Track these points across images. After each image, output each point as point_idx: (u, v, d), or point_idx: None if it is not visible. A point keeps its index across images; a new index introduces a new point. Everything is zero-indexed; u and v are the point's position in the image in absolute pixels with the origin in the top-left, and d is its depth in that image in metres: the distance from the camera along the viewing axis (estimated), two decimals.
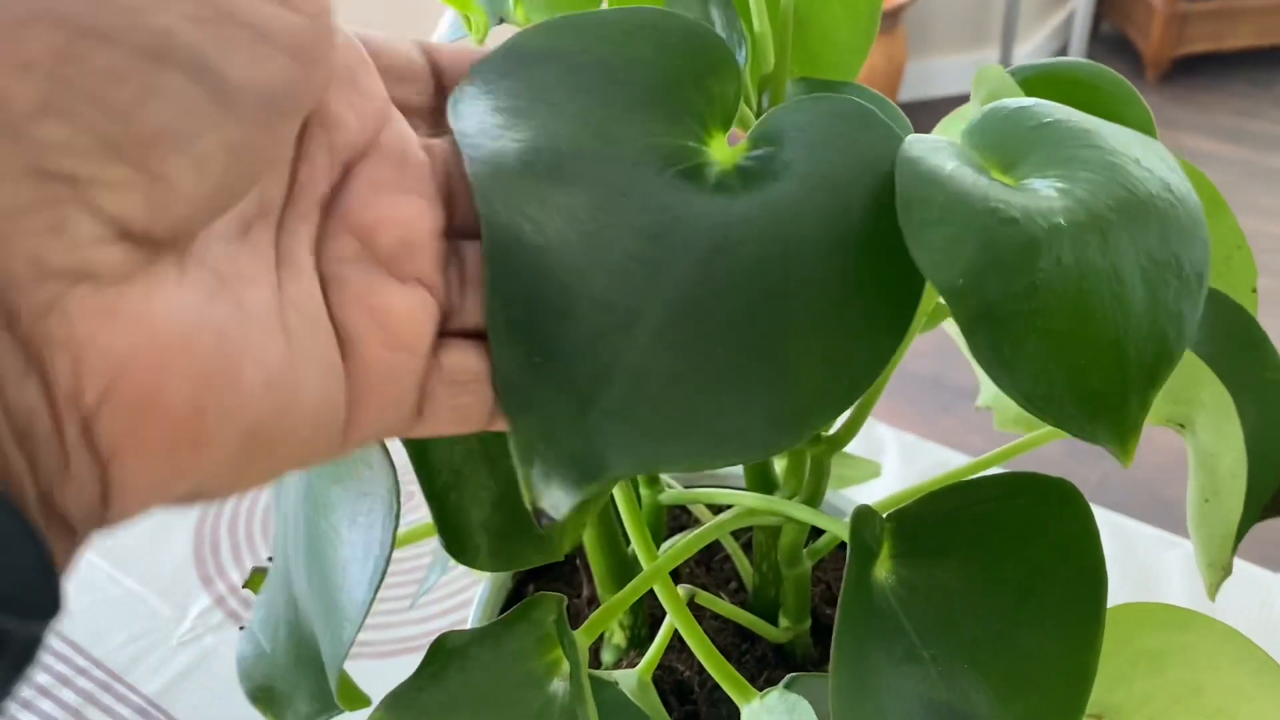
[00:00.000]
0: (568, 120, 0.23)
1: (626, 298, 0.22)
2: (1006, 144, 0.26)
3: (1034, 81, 0.32)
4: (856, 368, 0.23)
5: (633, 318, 0.22)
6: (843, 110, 0.24)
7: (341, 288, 0.21)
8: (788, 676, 0.29)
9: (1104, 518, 0.61)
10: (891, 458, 0.63)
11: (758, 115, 0.32)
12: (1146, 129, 0.31)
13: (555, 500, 0.21)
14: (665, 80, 0.24)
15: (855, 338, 0.23)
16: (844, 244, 0.23)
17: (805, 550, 0.36)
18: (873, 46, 0.37)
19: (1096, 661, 0.29)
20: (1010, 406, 0.43)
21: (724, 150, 0.25)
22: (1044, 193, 0.25)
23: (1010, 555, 0.29)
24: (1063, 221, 0.24)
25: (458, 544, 0.28)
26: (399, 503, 0.27)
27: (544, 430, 0.21)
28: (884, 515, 0.28)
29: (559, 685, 0.28)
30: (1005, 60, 2.51)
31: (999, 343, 0.23)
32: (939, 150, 0.25)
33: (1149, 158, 0.27)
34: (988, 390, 0.44)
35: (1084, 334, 0.24)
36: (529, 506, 0.21)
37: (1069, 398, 0.24)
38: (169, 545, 0.64)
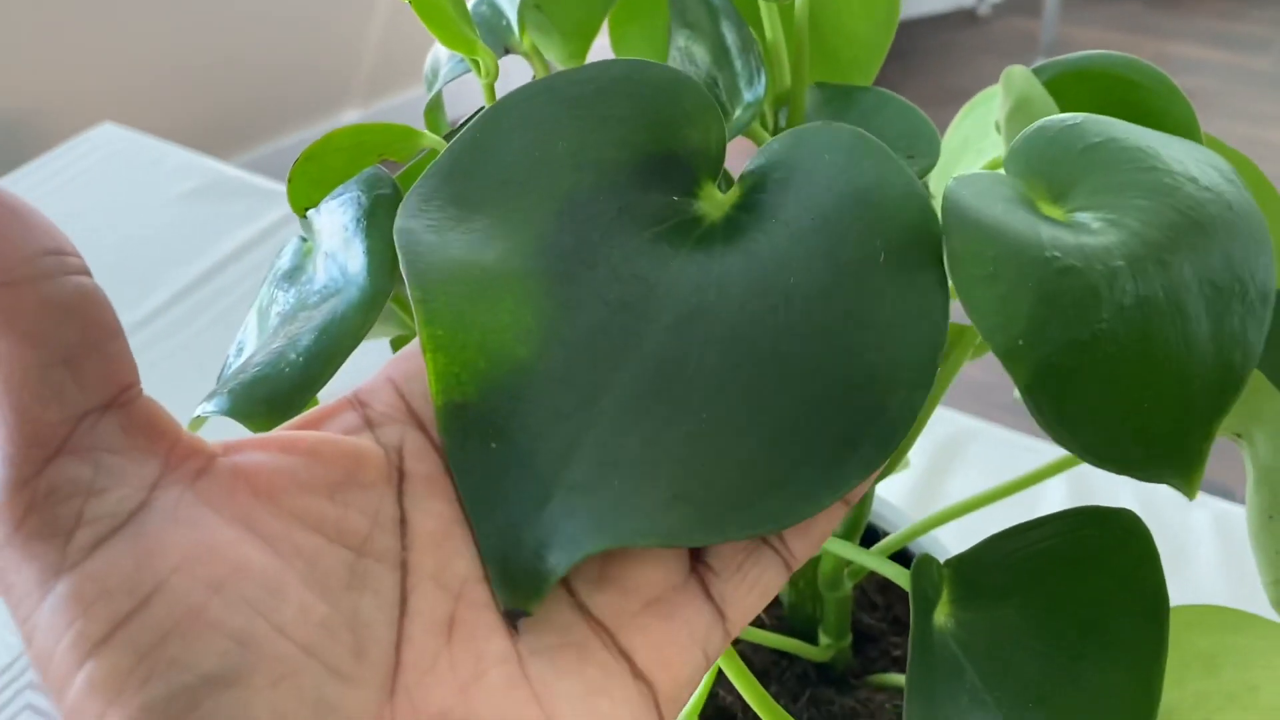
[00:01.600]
0: (530, 201, 0.22)
1: (589, 372, 0.21)
2: (1055, 170, 0.25)
3: (1067, 79, 0.31)
4: (879, 416, 0.21)
5: (598, 392, 0.21)
6: (834, 140, 0.23)
7: None
8: None
9: (1124, 481, 0.60)
10: None
11: (774, 134, 0.30)
12: (1190, 127, 0.29)
13: (526, 596, 0.20)
14: (642, 138, 0.23)
15: (869, 383, 0.21)
16: (840, 285, 0.21)
17: (846, 572, 0.35)
18: None
19: (1161, 688, 0.28)
20: None
21: (714, 199, 0.23)
22: (1098, 228, 0.23)
23: (1072, 590, 0.28)
24: (1122, 262, 0.23)
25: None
26: None
27: (508, 523, 0.20)
28: (942, 562, 0.27)
29: None
30: None
31: (1061, 401, 0.22)
32: (985, 192, 0.23)
33: (1208, 173, 0.25)
34: None
35: (1148, 378, 0.23)
36: (500, 607, 0.20)
37: (1133, 445, 0.23)
38: None
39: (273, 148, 2.16)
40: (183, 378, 0.71)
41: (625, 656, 0.20)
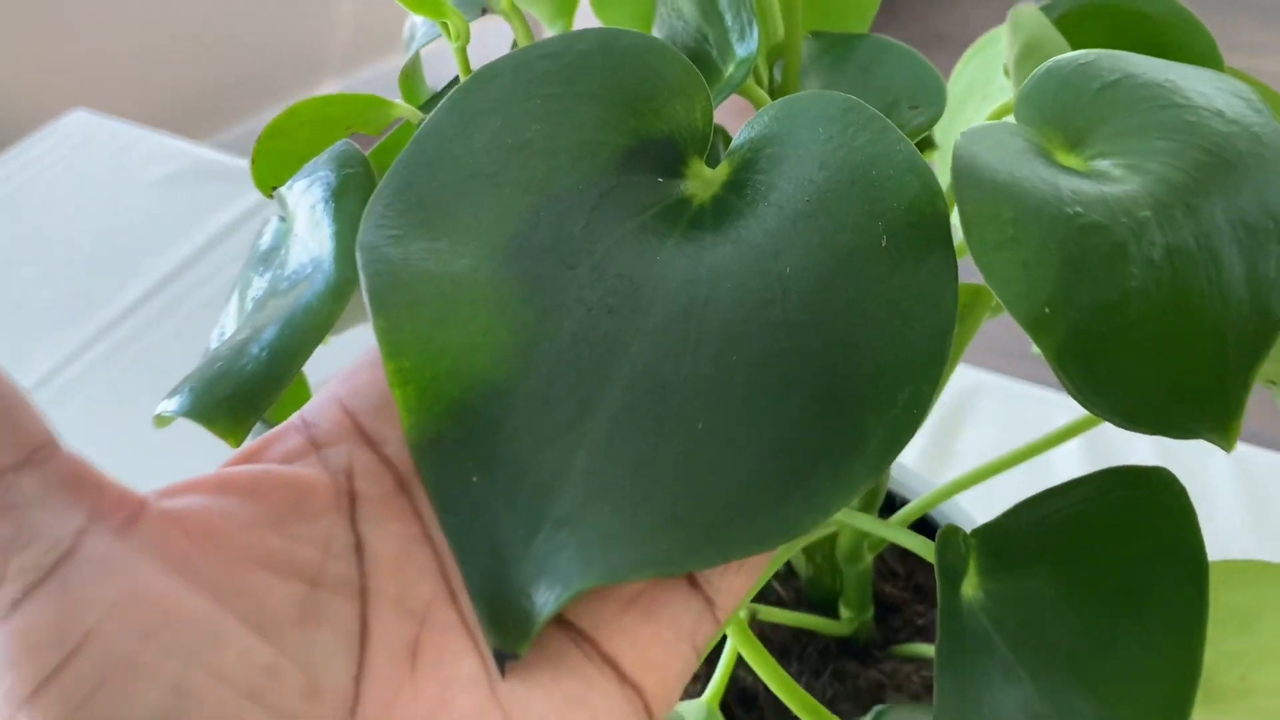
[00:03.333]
0: (503, 196, 0.20)
1: (573, 390, 0.19)
2: (1070, 115, 0.23)
3: (1074, 17, 0.29)
4: (887, 412, 0.19)
5: (584, 410, 0.19)
6: (825, 111, 0.21)
7: None
8: (877, 709, 0.27)
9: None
10: None
11: (770, 91, 0.29)
12: (1213, 61, 0.27)
13: (516, 638, 0.18)
14: (621, 115, 0.21)
15: (875, 378, 0.19)
16: (839, 275, 0.20)
17: (866, 544, 0.34)
18: None
19: (1202, 654, 0.27)
20: None
21: (703, 177, 0.22)
22: (1120, 175, 0.22)
23: (1106, 555, 0.27)
24: (1149, 213, 0.21)
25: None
26: None
27: (495, 562, 0.19)
28: (969, 532, 0.26)
29: None
30: None
31: (1093, 368, 0.20)
32: (998, 145, 0.21)
33: (1234, 105, 0.24)
34: None
35: (1183, 334, 0.21)
36: (489, 648, 0.18)
37: (1170, 404, 0.22)
38: None
39: (248, 126, 2.13)
40: (169, 369, 0.70)
41: (609, 663, 0.19)
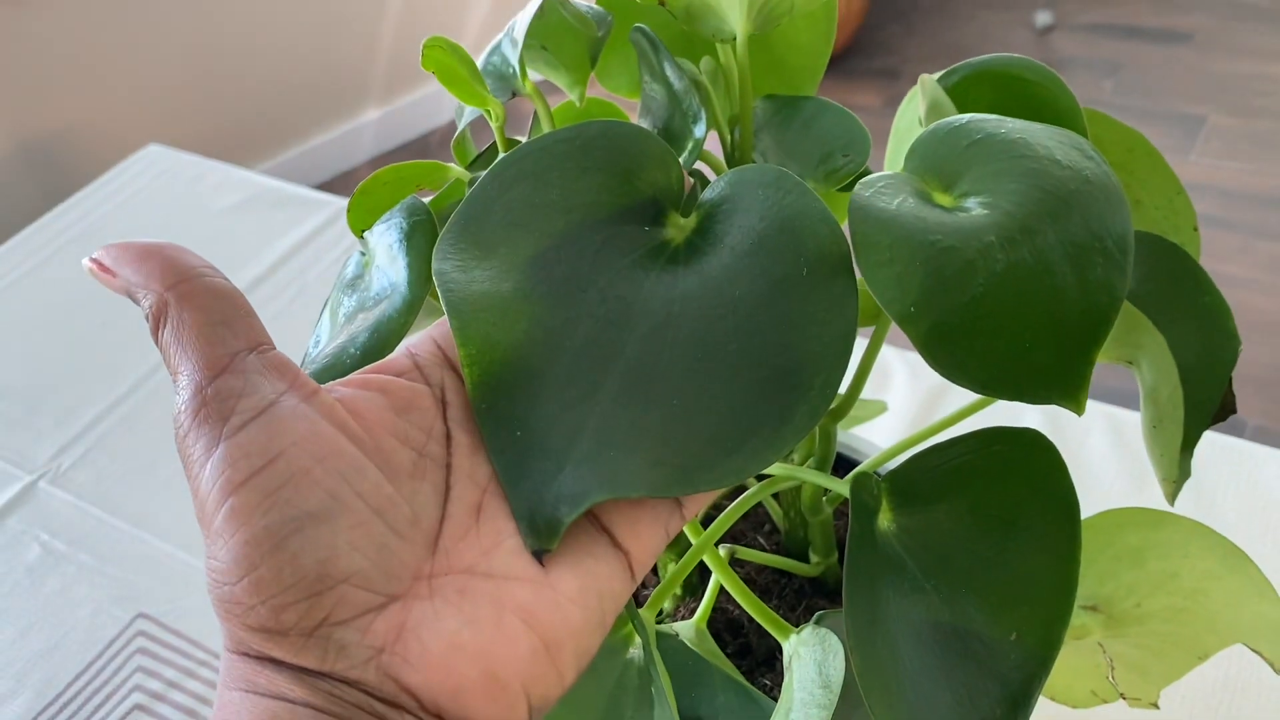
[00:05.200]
0: (532, 240, 0.29)
1: (588, 374, 0.27)
2: (945, 165, 0.31)
3: (972, 79, 0.37)
4: (808, 393, 0.27)
5: (594, 388, 0.27)
6: (764, 179, 0.29)
7: None
8: (817, 614, 0.35)
9: (1096, 409, 0.66)
10: (899, 379, 0.68)
11: (730, 149, 0.37)
12: (1073, 115, 0.35)
13: (547, 539, 0.26)
14: (617, 182, 0.29)
15: (798, 369, 0.27)
16: (773, 296, 0.27)
17: (825, 499, 0.41)
18: None
19: (1077, 573, 0.33)
20: None
21: (678, 225, 0.30)
22: (976, 212, 0.30)
23: (992, 494, 0.33)
24: (994, 238, 0.29)
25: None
26: None
27: (532, 489, 0.27)
28: (879, 474, 0.34)
29: (634, 653, 0.34)
30: None
31: (952, 350, 0.28)
32: (885, 191, 0.29)
33: (1070, 154, 0.31)
34: None
35: (1024, 324, 0.28)
36: (529, 549, 0.26)
37: (1021, 377, 0.28)
38: None
39: (299, 150, 2.23)
40: None
41: (606, 531, 0.27)
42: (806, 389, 0.27)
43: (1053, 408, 0.66)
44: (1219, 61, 2.11)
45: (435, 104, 2.38)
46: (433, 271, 0.28)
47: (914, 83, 0.37)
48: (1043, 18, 2.36)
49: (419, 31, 2.30)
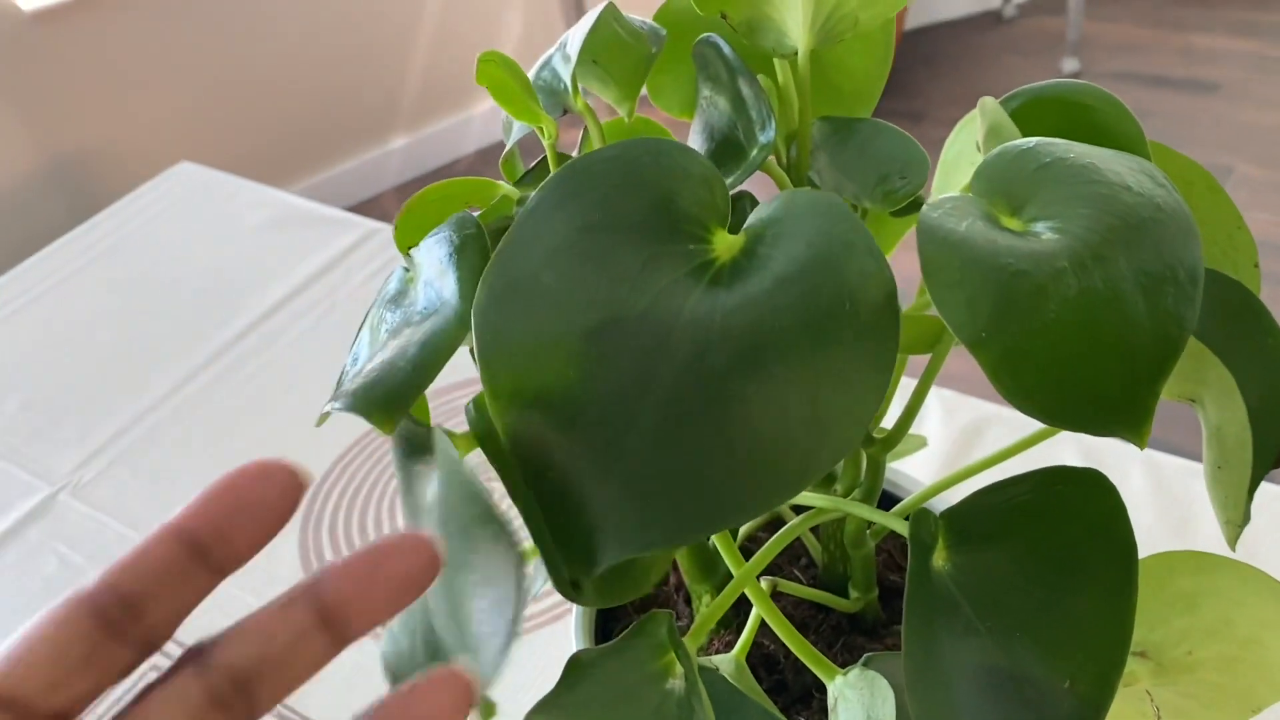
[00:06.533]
0: (574, 264, 0.27)
1: (622, 412, 0.26)
2: (1013, 188, 0.30)
3: (1033, 106, 0.36)
4: (841, 426, 0.26)
5: (628, 426, 0.26)
6: (814, 205, 0.28)
7: None
8: (865, 656, 0.34)
9: (1133, 451, 0.65)
10: (934, 416, 0.67)
11: (786, 168, 0.36)
12: (1137, 142, 0.34)
13: (579, 569, 0.26)
14: (661, 201, 0.28)
15: (837, 400, 0.26)
16: (815, 326, 0.26)
17: (868, 532, 0.40)
18: None
19: (1133, 620, 0.32)
20: None
21: (725, 242, 0.29)
22: (1047, 236, 0.29)
23: (1050, 536, 0.33)
24: (1066, 263, 0.28)
25: (572, 593, 0.32)
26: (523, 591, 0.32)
27: (565, 520, 0.26)
28: (938, 514, 0.33)
29: (675, 683, 0.33)
30: None
31: (1021, 377, 0.27)
32: (953, 212, 0.29)
33: (1141, 182, 0.31)
34: None
35: (1094, 352, 0.27)
36: (561, 590, 0.26)
37: (1087, 406, 0.28)
38: (278, 556, 0.70)
39: (325, 176, 2.25)
40: (270, 390, 0.78)
41: None
42: (824, 442, 0.26)
43: (1091, 448, 0.65)
44: (1246, 112, 2.10)
45: (460, 133, 2.40)
46: (473, 313, 0.27)
47: (938, 126, 0.36)
48: (1069, 64, 2.37)
49: (447, 61, 2.32)
